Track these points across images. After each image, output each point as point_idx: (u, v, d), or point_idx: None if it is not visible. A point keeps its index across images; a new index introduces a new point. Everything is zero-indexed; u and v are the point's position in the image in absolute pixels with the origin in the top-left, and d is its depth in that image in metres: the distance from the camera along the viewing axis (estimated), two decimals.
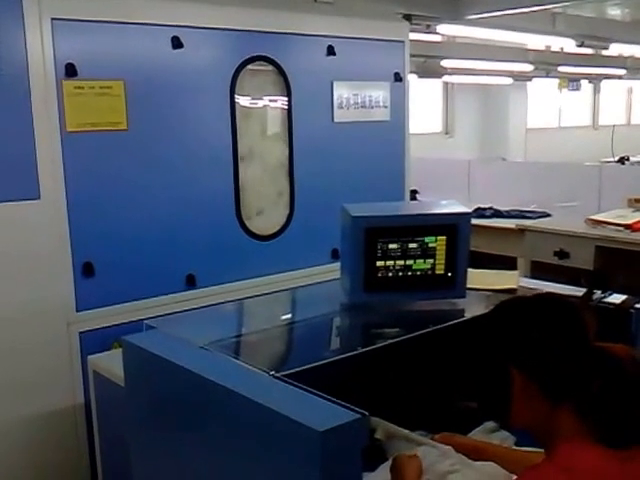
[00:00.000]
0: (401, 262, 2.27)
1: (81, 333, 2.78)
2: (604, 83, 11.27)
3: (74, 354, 2.77)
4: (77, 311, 2.77)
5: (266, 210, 3.35)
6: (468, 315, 2.31)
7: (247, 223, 3.23)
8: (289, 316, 2.27)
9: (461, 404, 2.61)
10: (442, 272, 2.30)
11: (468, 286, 2.39)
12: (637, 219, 5.40)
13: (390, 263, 2.26)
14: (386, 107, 3.74)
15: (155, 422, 1.92)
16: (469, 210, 2.36)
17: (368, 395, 2.23)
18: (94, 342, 2.75)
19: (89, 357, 2.64)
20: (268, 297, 2.64)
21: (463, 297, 2.35)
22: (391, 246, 2.25)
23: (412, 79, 7.49)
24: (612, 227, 5.35)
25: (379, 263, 2.26)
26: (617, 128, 10.56)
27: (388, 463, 2.22)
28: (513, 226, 5.78)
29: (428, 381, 2.45)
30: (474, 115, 12.17)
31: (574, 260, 5.39)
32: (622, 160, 8.44)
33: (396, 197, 3.73)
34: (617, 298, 2.45)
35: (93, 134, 2.77)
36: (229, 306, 2.42)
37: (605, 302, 2.43)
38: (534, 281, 2.75)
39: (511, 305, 1.77)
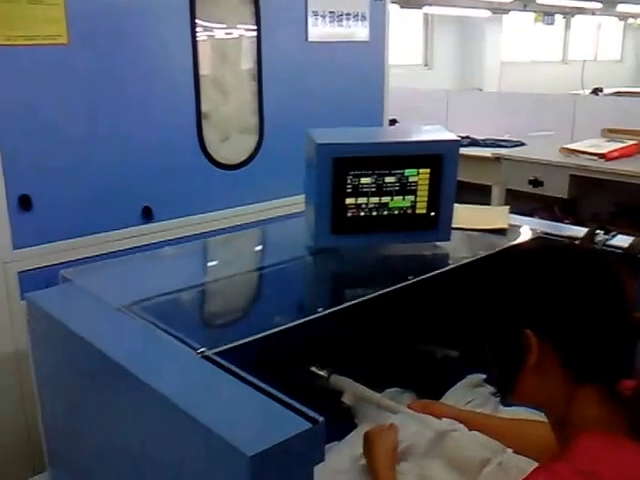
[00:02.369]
0: (376, 199, 1.67)
1: (20, 273, 2.18)
2: (575, 19, 10.47)
3: (13, 295, 2.17)
4: (14, 249, 2.16)
5: (232, 137, 2.71)
6: (454, 262, 1.73)
7: (211, 151, 2.60)
8: (240, 265, 1.66)
9: (440, 353, 2.09)
10: (424, 211, 1.71)
11: (452, 226, 1.81)
12: (611, 149, 4.91)
13: (362, 200, 1.67)
14: (365, 27, 3.07)
15: (62, 397, 1.36)
16: (457, 137, 1.74)
17: (334, 350, 1.69)
18: (37, 283, 2.13)
19: (21, 301, 2.04)
20: (220, 239, 2.02)
21: (447, 240, 1.77)
22: (364, 180, 1.65)
23: (394, 9, 6.79)
24: (586, 156, 4.81)
25: (349, 200, 1.66)
26: (585, 63, 9.87)
27: (357, 431, 1.72)
28: (489, 155, 5.26)
29: (402, 331, 1.92)
30: (452, 48, 11.37)
31: (548, 188, 4.95)
32: (596, 91, 7.75)
33: (374, 125, 3.10)
34: (623, 240, 1.88)
35: (27, 49, 2.10)
36: (170, 250, 1.81)
37: (610, 245, 1.86)
38: (524, 218, 2.16)
39: (536, 254, 1.19)
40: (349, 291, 1.54)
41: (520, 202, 4.87)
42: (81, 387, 1.25)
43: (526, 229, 2.01)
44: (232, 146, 2.70)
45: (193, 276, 1.54)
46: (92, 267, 1.63)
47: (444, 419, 1.61)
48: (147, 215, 2.43)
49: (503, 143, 5.47)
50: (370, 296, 1.44)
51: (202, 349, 1.13)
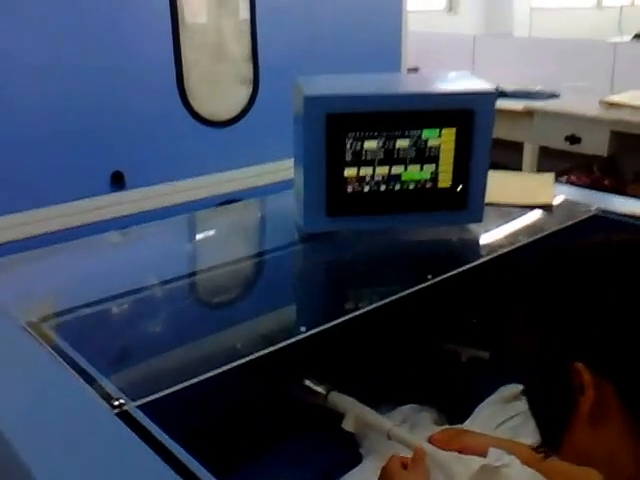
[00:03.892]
0: (384, 170, 1.29)
1: None
2: None
3: None
4: None
5: (221, 87, 2.33)
6: (487, 252, 1.34)
7: (194, 104, 2.22)
8: (203, 259, 1.26)
9: (466, 354, 1.73)
10: (448, 185, 1.32)
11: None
12: None
13: (367, 171, 1.28)
14: None
15: None
16: (492, 87, 1.35)
17: (335, 359, 1.34)
18: None
19: None
20: (184, 219, 1.62)
21: (479, 222, 1.38)
22: (368, 144, 1.26)
23: None
24: (629, 110, 4.38)
25: (349, 172, 1.28)
26: (623, 9, 9.29)
27: (363, 467, 1.37)
28: (520, 108, 4.85)
29: (419, 334, 1.56)
30: None
31: (586, 146, 4.56)
32: (638, 37, 7.12)
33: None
34: None
35: None
36: (117, 237, 1.42)
37: None
38: (565, 188, 1.77)
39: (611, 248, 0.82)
40: (348, 294, 1.17)
41: (555, 160, 4.56)
42: None
43: (578, 205, 1.61)
44: (221, 98, 2.32)
45: (138, 274, 1.17)
46: (11, 260, 1.25)
47: (491, 450, 1.25)
48: (118, 181, 2.08)
49: (535, 95, 5.04)
50: (376, 305, 1.07)
51: (119, 401, 0.77)
